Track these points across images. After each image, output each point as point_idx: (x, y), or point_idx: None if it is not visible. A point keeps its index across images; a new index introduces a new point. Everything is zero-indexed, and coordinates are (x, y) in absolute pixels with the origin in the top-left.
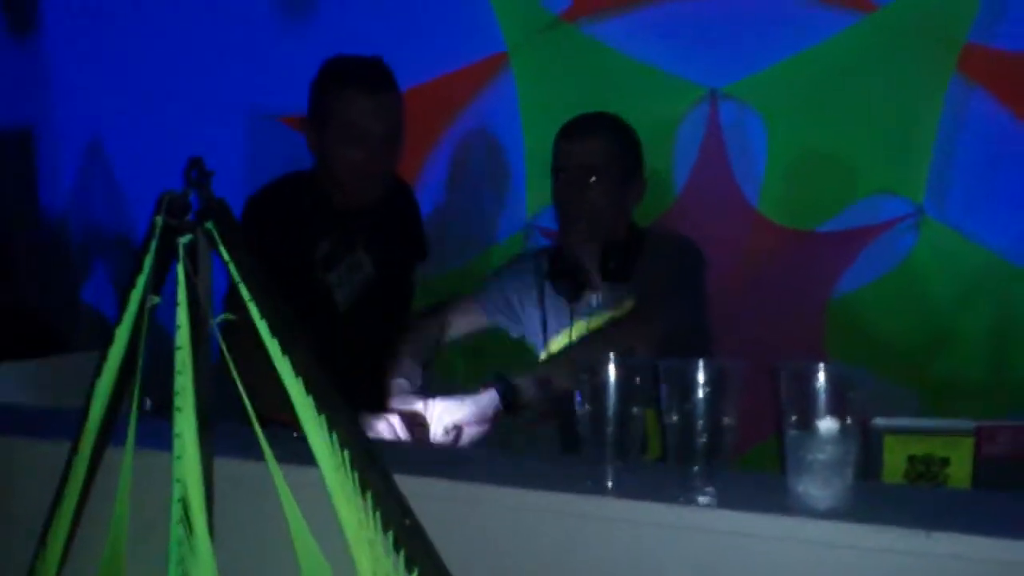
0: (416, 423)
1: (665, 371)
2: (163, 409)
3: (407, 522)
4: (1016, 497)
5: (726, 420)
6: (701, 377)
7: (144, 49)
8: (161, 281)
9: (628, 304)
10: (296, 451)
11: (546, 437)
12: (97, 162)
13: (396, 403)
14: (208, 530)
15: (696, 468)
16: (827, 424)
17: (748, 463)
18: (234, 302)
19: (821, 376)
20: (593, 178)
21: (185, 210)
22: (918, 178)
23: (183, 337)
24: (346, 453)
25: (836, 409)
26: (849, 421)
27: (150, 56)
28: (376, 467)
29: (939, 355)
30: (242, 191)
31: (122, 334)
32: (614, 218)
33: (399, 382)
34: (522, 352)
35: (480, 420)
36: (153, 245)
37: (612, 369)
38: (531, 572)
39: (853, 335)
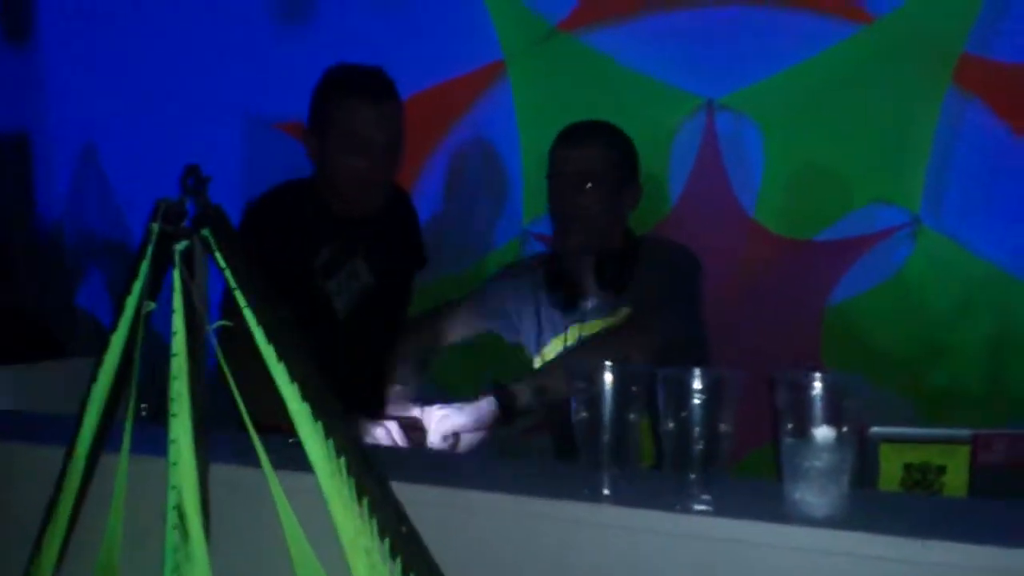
0: (414, 430)
1: (662, 379)
2: (159, 415)
3: (403, 529)
4: (1012, 505)
5: (723, 427)
6: (698, 385)
7: (140, 54)
8: (157, 287)
9: (624, 312)
10: (292, 457)
11: (540, 446)
12: (93, 167)
13: (393, 410)
14: (204, 536)
15: (692, 475)
16: (823, 432)
17: (744, 469)
18: (231, 309)
19: (817, 384)
20: (588, 184)
21: (181, 217)
22: (914, 188)
23: (179, 343)
24: (342, 460)
25: (832, 417)
26: (845, 429)
27: (146, 61)
28: (373, 474)
29: (935, 364)
30: (238, 197)
31: (118, 340)
32: (609, 225)
33: (396, 389)
34: (518, 359)
35: (477, 427)
36: (149, 251)
37: (608, 377)
38: None
39: (850, 344)
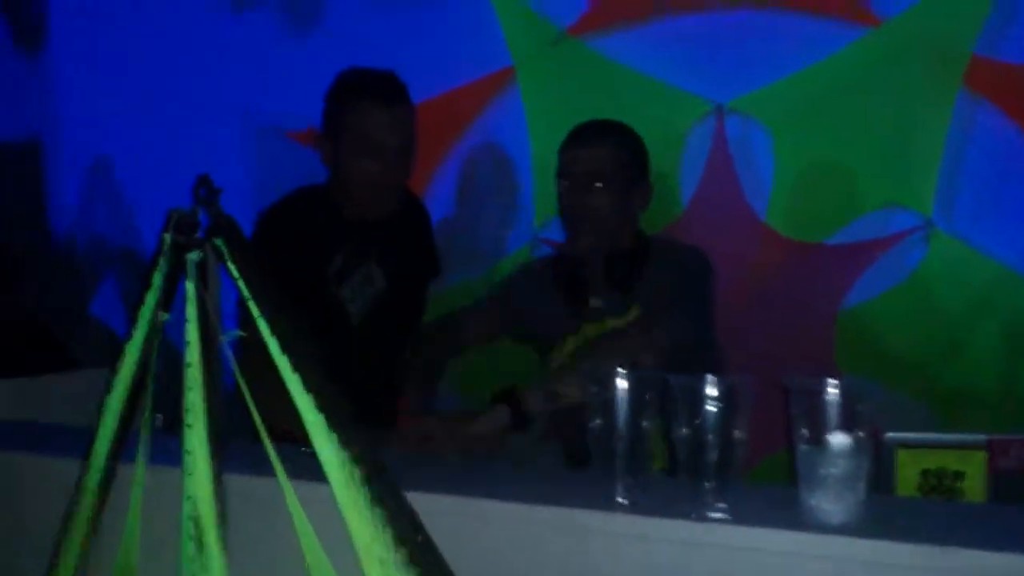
0: (426, 439)
1: (675, 386)
2: (174, 425)
3: (419, 538)
4: None
5: (737, 434)
6: (712, 392)
7: (151, 63)
8: (170, 298)
9: (634, 312)
10: (307, 467)
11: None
12: (104, 176)
13: (406, 419)
14: (220, 547)
15: (708, 483)
16: (839, 439)
17: (759, 475)
18: (247, 319)
19: (832, 391)
20: (598, 184)
21: (194, 227)
22: (926, 191)
23: (193, 354)
24: (357, 469)
25: (847, 424)
26: (861, 435)
27: (157, 70)
28: (387, 484)
29: (950, 367)
30: (250, 205)
31: (132, 351)
32: (620, 224)
33: (409, 397)
34: (529, 363)
35: (490, 436)
36: (162, 262)
37: (622, 383)
38: None
39: (864, 347)
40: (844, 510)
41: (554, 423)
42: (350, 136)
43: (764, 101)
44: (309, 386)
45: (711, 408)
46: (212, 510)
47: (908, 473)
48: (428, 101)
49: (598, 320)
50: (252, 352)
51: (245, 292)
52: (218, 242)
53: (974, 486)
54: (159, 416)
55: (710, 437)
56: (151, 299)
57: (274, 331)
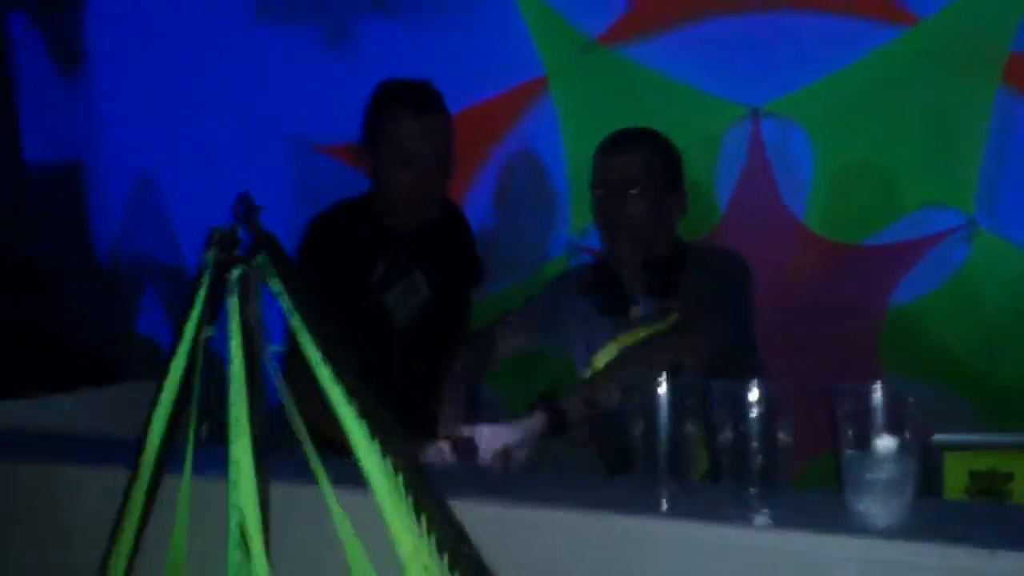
0: (465, 448)
1: (718, 391)
2: (219, 436)
3: (463, 546)
4: None
5: (781, 438)
6: (755, 397)
7: (189, 81)
8: (214, 314)
9: (672, 318)
10: (350, 475)
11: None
12: (147, 194)
13: (445, 429)
14: (265, 554)
15: (752, 488)
16: (885, 443)
17: (804, 479)
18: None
19: (878, 395)
20: (632, 191)
21: (235, 245)
22: (967, 190)
23: (236, 369)
24: (400, 478)
25: (894, 427)
26: (907, 438)
27: (195, 88)
28: (430, 492)
29: (997, 366)
30: (291, 221)
31: (177, 366)
32: (656, 231)
33: (448, 408)
34: (567, 371)
35: (529, 443)
36: (205, 280)
37: (664, 388)
38: None
39: (910, 347)
40: (891, 515)
41: (593, 430)
42: (386, 146)
43: (801, 103)
44: (352, 396)
45: (753, 413)
46: (257, 518)
47: (956, 475)
48: (464, 111)
49: (637, 327)
50: (297, 364)
51: (288, 305)
52: (260, 259)
53: None
54: (204, 426)
55: (754, 442)
56: (195, 315)
57: (317, 344)
